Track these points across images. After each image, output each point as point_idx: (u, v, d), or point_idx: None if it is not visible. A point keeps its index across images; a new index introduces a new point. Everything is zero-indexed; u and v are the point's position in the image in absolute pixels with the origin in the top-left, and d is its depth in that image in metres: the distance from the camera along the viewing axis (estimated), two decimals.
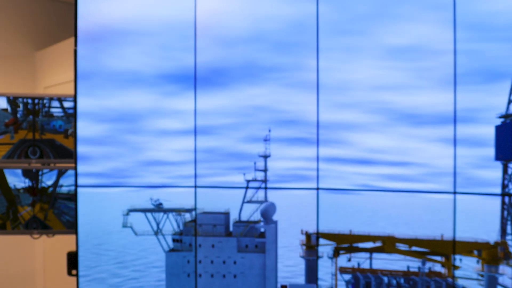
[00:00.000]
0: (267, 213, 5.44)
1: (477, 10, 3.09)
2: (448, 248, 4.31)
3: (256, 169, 5.48)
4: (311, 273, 5.56)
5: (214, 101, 3.68)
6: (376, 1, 3.22)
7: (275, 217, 5.73)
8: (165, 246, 5.01)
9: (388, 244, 5.02)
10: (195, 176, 3.87)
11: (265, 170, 5.36)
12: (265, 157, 5.37)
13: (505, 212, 4.16)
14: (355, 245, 5.42)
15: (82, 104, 3.22)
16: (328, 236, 5.54)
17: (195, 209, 4.91)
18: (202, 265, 5.44)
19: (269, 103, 3.55)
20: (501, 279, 3.94)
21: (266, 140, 5.23)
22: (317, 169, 3.84)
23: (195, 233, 5.21)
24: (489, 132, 3.43)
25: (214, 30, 3.43)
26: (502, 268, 4.01)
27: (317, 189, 3.70)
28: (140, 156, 3.67)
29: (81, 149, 3.25)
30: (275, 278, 5.36)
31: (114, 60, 3.31)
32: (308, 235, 5.58)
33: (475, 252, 4.37)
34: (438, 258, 4.57)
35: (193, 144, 4.09)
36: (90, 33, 3.15)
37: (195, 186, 3.94)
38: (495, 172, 3.46)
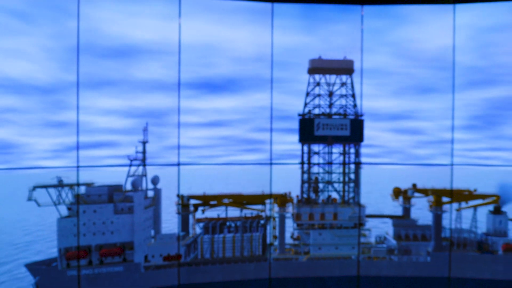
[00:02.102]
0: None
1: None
2: (265, 199, 19.67)
3: (137, 152, 16.62)
4: (183, 224, 19.73)
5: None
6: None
7: (159, 186, 16.75)
8: (64, 213, 15.60)
9: (236, 199, 19.44)
10: (77, 157, 8.96)
11: (143, 152, 16.60)
12: (144, 142, 16.93)
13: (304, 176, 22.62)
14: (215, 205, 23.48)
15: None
16: (194, 197, 21.95)
17: (77, 184, 15.51)
18: (86, 227, 18.11)
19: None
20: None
21: (144, 130, 16.64)
22: (178, 148, 10.32)
23: (77, 202, 16.25)
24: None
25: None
26: (288, 208, 21.41)
27: (178, 164, 11.69)
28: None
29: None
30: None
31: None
32: (181, 197, 20.88)
33: (276, 200, 22.17)
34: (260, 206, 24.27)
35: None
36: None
37: (77, 166, 8.97)
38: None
